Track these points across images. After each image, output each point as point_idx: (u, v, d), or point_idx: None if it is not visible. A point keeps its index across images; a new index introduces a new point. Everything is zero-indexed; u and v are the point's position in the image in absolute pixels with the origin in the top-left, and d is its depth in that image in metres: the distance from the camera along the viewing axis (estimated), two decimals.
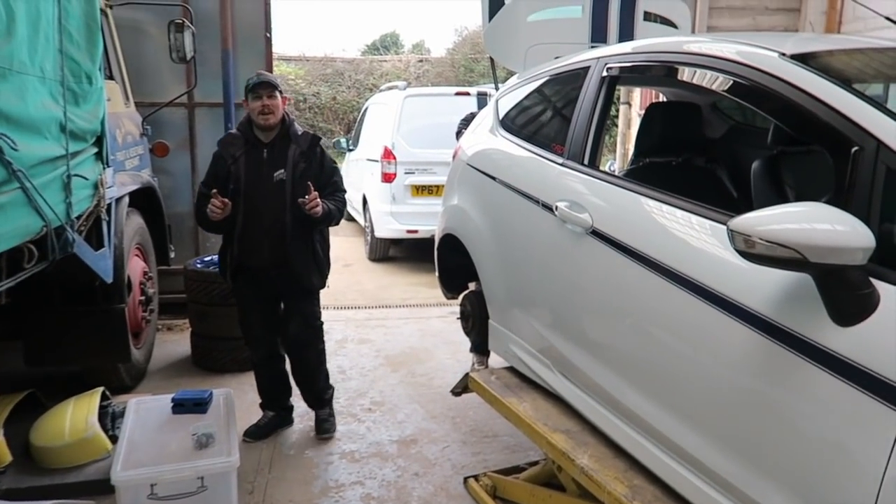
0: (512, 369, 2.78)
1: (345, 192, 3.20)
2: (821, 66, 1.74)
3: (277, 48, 16.58)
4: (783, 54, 1.77)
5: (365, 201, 7.53)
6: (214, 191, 2.90)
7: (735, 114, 3.26)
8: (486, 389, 2.65)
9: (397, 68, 17.91)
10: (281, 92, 3.02)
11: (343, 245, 7.83)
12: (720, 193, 2.86)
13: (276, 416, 3.37)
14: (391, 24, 35.77)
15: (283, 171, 3.00)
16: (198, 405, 2.69)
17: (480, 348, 3.20)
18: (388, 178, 6.85)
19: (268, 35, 5.05)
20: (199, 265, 4.14)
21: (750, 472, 1.59)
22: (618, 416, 2.07)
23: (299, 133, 3.10)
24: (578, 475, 2.05)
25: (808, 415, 1.45)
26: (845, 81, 1.66)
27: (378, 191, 7.01)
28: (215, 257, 3.52)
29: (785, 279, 1.48)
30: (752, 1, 6.25)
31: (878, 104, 1.51)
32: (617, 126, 9.14)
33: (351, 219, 9.26)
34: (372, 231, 7.29)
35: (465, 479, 2.82)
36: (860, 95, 1.55)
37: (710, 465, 1.69)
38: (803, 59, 1.75)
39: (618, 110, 8.80)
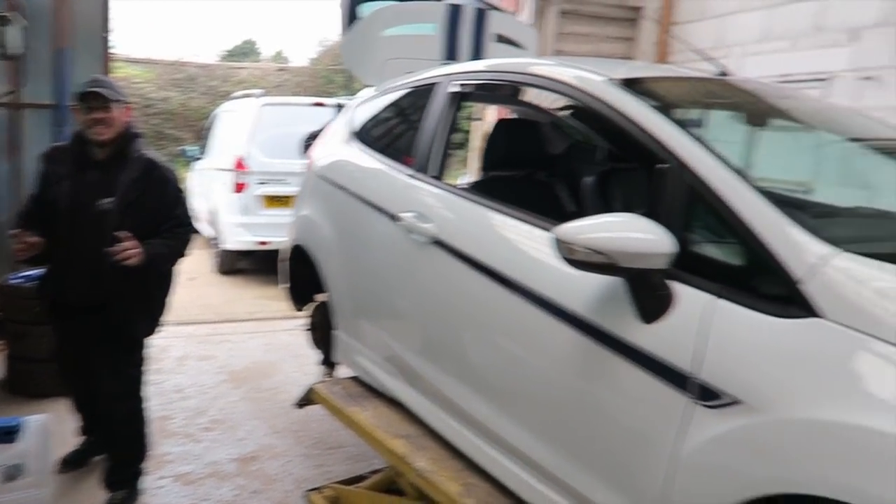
0: (356, 379, 2.78)
1: (189, 226, 2.76)
2: (640, 90, 1.92)
3: (124, 49, 15.57)
4: (609, 79, 1.93)
5: (213, 213, 7.23)
6: (18, 231, 2.46)
7: (574, 132, 3.49)
8: (329, 400, 2.64)
9: (255, 76, 17.41)
10: (120, 101, 2.57)
11: (188, 258, 7.43)
12: (559, 207, 3.05)
13: (98, 440, 2.99)
14: (250, 32, 34.80)
15: (110, 199, 2.51)
16: (7, 434, 2.48)
17: (327, 361, 3.18)
18: (239, 188, 6.63)
19: (104, 35, 4.73)
20: (16, 280, 3.75)
21: (572, 464, 1.71)
22: (456, 419, 2.14)
23: (136, 154, 2.61)
24: (415, 478, 2.09)
25: (619, 406, 1.59)
26: (665, 106, 1.84)
27: (229, 201, 6.76)
28: (37, 272, 3.12)
29: (602, 283, 1.61)
30: (594, 29, 6.74)
31: (682, 127, 1.69)
32: (470, 141, 9.44)
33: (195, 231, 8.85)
34: (220, 243, 7.01)
35: (307, 491, 2.78)
36: (668, 118, 1.72)
37: (538, 460, 1.80)
38: (625, 84, 1.92)
39: (470, 126, 9.09)
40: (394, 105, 3.07)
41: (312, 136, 4.98)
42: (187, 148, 9.04)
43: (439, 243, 2.17)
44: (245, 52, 21.54)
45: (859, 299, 1.24)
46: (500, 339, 1.98)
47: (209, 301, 6.10)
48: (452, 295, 2.16)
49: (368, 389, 2.67)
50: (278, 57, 21.44)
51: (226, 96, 9.92)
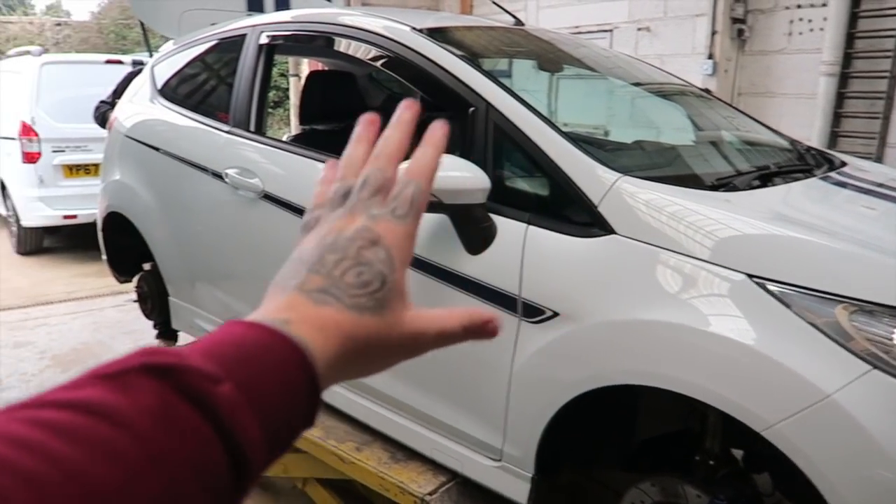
0: None
1: None
2: (446, 39, 2.03)
3: None
4: (415, 28, 2.02)
5: (3, 187, 6.45)
6: None
7: (391, 84, 3.57)
8: None
9: (28, 32, 15.42)
10: None
11: None
12: None
13: None
14: None
15: None
16: None
17: (166, 332, 3.06)
18: (30, 157, 5.95)
19: None
20: None
21: (421, 393, 1.85)
22: None
23: None
24: None
25: None
26: (470, 54, 1.97)
27: (20, 173, 6.05)
28: None
29: (429, 221, 1.73)
30: None
31: (487, 73, 1.84)
32: (289, 98, 9.20)
33: None
34: (17, 221, 6.29)
35: None
36: (474, 65, 1.86)
37: (390, 394, 1.92)
38: (431, 33, 2.02)
39: (289, 83, 8.86)
40: (200, 59, 2.94)
41: (106, 104, 4.61)
42: None
43: (269, 197, 2.18)
44: (11, 4, 18.92)
45: (642, 215, 1.48)
46: None
47: (15, 285, 5.48)
48: (289, 247, 2.18)
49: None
50: (55, 10, 19.09)
51: None
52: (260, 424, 0.33)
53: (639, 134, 2.82)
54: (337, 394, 2.09)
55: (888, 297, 1.23)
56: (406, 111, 0.46)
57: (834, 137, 3.57)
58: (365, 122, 0.48)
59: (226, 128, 2.47)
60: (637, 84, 2.79)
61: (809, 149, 2.31)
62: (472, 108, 1.74)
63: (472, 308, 0.45)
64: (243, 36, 2.57)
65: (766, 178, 1.78)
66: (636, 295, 1.43)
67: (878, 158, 3.39)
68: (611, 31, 5.72)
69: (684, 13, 5.09)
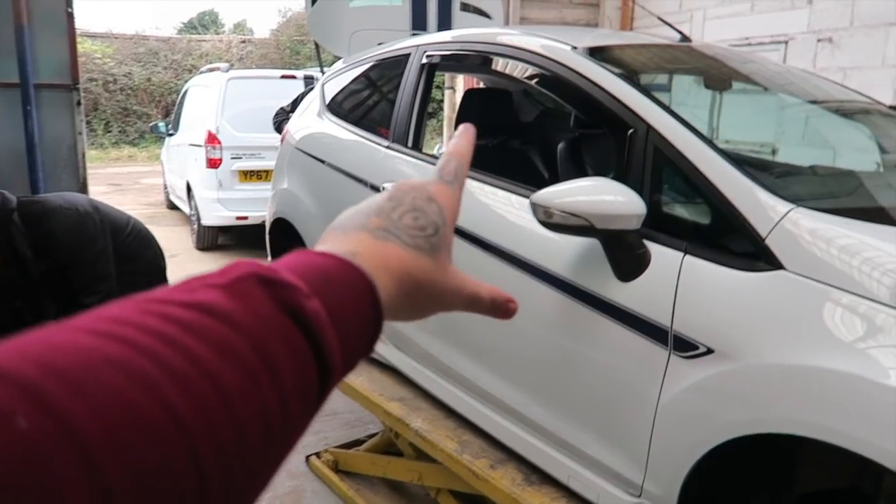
0: None
1: (103, 284, 2.16)
2: (606, 58, 2.00)
3: (81, 24, 15.16)
4: (574, 48, 2.00)
5: (189, 188, 7.19)
6: None
7: (545, 100, 3.57)
8: None
9: (218, 49, 17.10)
10: None
11: (167, 235, 7.42)
12: (532, 173, 3.14)
13: None
14: (209, 2, 33.86)
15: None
16: None
17: None
18: (213, 163, 6.59)
19: (69, 10, 4.65)
20: None
21: (563, 418, 1.81)
22: (448, 380, 2.24)
23: None
24: (413, 437, 2.20)
25: (604, 361, 1.70)
26: (630, 73, 1.92)
27: (203, 177, 6.73)
28: None
29: (580, 245, 1.71)
30: None
31: (648, 93, 1.78)
32: (443, 110, 9.46)
33: (174, 207, 8.76)
34: (199, 219, 6.99)
35: (307, 457, 2.88)
36: (634, 85, 1.81)
37: (530, 417, 1.91)
38: (591, 52, 2.00)
39: (444, 95, 9.11)
40: (364, 77, 3.10)
41: (283, 112, 5.00)
42: (159, 124, 8.93)
43: None
44: (205, 23, 21.05)
45: (816, 251, 1.36)
46: None
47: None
48: None
49: None
50: (240, 28, 21.01)
51: (190, 70, 9.76)
52: (340, 343, 0.35)
53: (814, 157, 2.60)
54: (475, 409, 2.11)
55: None
56: (468, 129, 0.56)
57: None
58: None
59: (385, 143, 2.58)
60: (813, 101, 2.57)
61: None
62: (630, 130, 1.70)
63: (494, 287, 0.49)
64: (407, 55, 2.68)
65: None
66: (805, 338, 1.31)
67: None
68: (785, 42, 5.32)
69: (875, 21, 4.63)
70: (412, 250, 0.44)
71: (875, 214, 1.53)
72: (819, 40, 5.01)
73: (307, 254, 0.39)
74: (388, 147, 2.55)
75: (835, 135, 2.77)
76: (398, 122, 2.57)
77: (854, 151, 2.45)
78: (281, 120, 4.87)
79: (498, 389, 2.01)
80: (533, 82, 3.21)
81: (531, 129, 3.45)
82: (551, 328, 1.83)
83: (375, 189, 2.49)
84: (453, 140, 0.54)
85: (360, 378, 2.56)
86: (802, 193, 1.66)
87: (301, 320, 0.33)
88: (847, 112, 2.56)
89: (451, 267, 0.47)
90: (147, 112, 15.61)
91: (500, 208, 2.04)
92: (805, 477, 1.60)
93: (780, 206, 1.43)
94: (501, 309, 0.50)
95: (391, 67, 2.85)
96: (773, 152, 3.51)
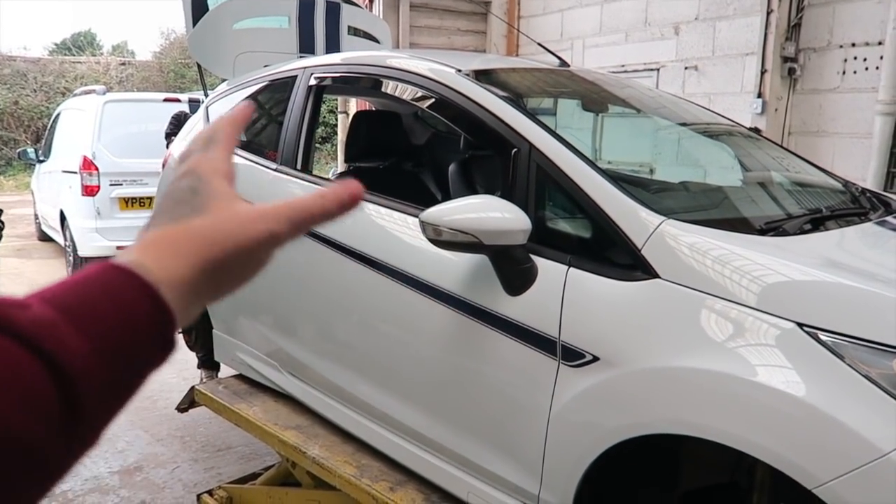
0: (241, 376, 2.76)
1: None
2: (491, 81, 2.06)
3: None
4: (459, 70, 2.05)
5: (63, 217, 6.72)
6: None
7: (436, 123, 3.62)
8: (213, 400, 2.60)
9: (95, 71, 16.21)
10: None
11: (40, 268, 6.89)
12: (425, 194, 3.17)
13: None
14: (86, 23, 32.09)
15: None
16: None
17: (208, 362, 3.12)
18: (89, 190, 6.21)
19: None
20: None
21: (460, 434, 1.82)
22: (345, 405, 2.20)
23: None
24: (310, 465, 2.14)
25: (496, 375, 1.72)
26: (513, 95, 1.99)
27: (79, 205, 6.31)
28: None
29: (471, 262, 1.73)
30: (445, 23, 6.94)
31: (530, 113, 1.85)
32: (337, 134, 9.41)
33: (47, 238, 8.17)
34: (74, 250, 6.53)
35: (198, 496, 2.73)
36: (517, 106, 1.87)
37: (427, 435, 1.90)
38: (476, 75, 2.05)
39: (337, 119, 9.07)
40: (251, 99, 3.04)
41: (176, 120, 4.78)
42: (28, 150, 8.31)
43: (311, 234, 2.21)
44: (80, 44, 19.95)
45: (686, 260, 1.45)
46: (380, 323, 2.06)
47: None
48: (329, 284, 2.21)
49: (254, 385, 2.66)
50: (120, 50, 20.06)
51: (63, 93, 9.19)
52: (86, 337, 0.34)
53: (684, 174, 2.78)
54: (373, 432, 2.08)
55: None
56: (244, 111, 0.55)
57: (890, 178, 3.45)
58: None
59: (273, 165, 2.53)
60: (683, 124, 2.76)
61: (864, 191, 2.23)
62: (514, 149, 1.75)
63: (318, 189, 0.49)
64: (294, 77, 2.65)
65: (817, 222, 1.73)
66: (680, 341, 1.39)
67: None
68: (657, 69, 5.70)
69: (733, 52, 5.05)
70: (180, 223, 0.44)
71: (738, 224, 1.65)
72: (686, 68, 5.40)
73: (95, 268, 0.40)
74: (275, 170, 2.50)
75: (703, 154, 2.98)
76: (286, 145, 2.52)
77: (720, 169, 2.65)
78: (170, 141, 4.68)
79: (395, 410, 2.00)
80: (421, 105, 3.26)
81: (423, 151, 3.49)
82: (445, 346, 1.85)
83: None
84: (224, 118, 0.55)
85: (254, 409, 2.47)
86: (674, 207, 1.76)
87: (8, 329, 0.32)
88: (713, 133, 2.76)
89: (238, 204, 0.46)
90: (14, 137, 14.54)
91: (393, 229, 2.04)
92: (689, 475, 1.69)
93: (654, 218, 1.52)
94: (340, 203, 0.48)
95: (278, 90, 2.80)
96: (651, 171, 3.74)
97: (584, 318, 1.53)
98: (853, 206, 2.00)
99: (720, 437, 1.31)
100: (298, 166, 2.46)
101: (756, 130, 3.92)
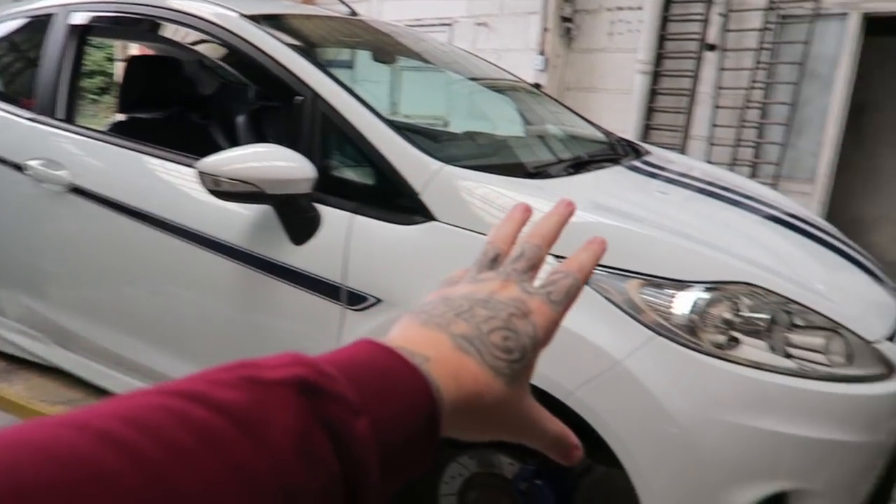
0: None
1: None
2: (277, 27, 1.99)
3: None
4: (244, 15, 1.96)
5: None
6: None
7: (223, 72, 3.43)
8: None
9: None
10: None
11: None
12: (213, 147, 3.01)
13: None
14: None
15: None
16: None
17: None
18: None
19: None
20: None
21: None
22: (127, 373, 2.08)
23: None
24: None
25: (286, 328, 1.73)
26: (303, 44, 1.94)
27: None
28: None
29: (254, 213, 1.70)
30: None
31: (316, 62, 1.83)
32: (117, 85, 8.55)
33: None
34: None
35: None
36: (301, 53, 1.84)
37: None
38: (260, 20, 1.97)
39: (115, 67, 8.23)
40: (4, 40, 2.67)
41: None
42: None
43: (78, 190, 2.03)
44: None
45: (460, 202, 1.54)
46: (166, 285, 1.96)
47: None
48: (100, 244, 2.05)
49: (15, 361, 2.41)
50: None
51: None
52: (380, 465, 0.32)
53: (473, 126, 2.93)
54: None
55: (669, 270, 1.39)
56: (566, 208, 0.50)
57: (647, 130, 3.91)
58: (520, 208, 0.51)
59: (28, 115, 2.26)
60: (473, 79, 2.89)
61: (620, 140, 2.51)
62: (298, 98, 1.73)
63: (567, 428, 0.45)
64: (51, 15, 2.36)
65: (578, 167, 1.92)
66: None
67: (683, 150, 3.76)
68: (451, 24, 5.86)
69: (519, 10, 5.33)
70: (490, 372, 0.39)
71: (510, 169, 1.79)
72: (477, 24, 5.61)
73: (370, 347, 0.36)
74: (31, 119, 2.24)
75: (490, 108, 3.15)
76: (44, 92, 2.26)
77: (505, 122, 2.83)
78: None
79: (181, 372, 1.93)
80: (203, 51, 3.07)
81: (211, 101, 3.30)
82: (235, 302, 1.81)
83: (18, 168, 2.17)
84: (577, 254, 0.47)
85: (16, 387, 2.24)
86: (455, 155, 1.86)
87: (341, 443, 0.30)
88: (499, 88, 2.93)
89: (527, 396, 0.42)
90: None
91: (176, 183, 1.93)
92: None
93: (433, 164, 1.60)
94: (562, 452, 0.44)
95: (33, 29, 2.48)
96: (445, 124, 3.88)
97: (367, 263, 1.58)
98: (610, 153, 2.25)
99: None
100: (59, 116, 2.22)
101: (537, 86, 4.22)
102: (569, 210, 0.49)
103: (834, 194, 3.47)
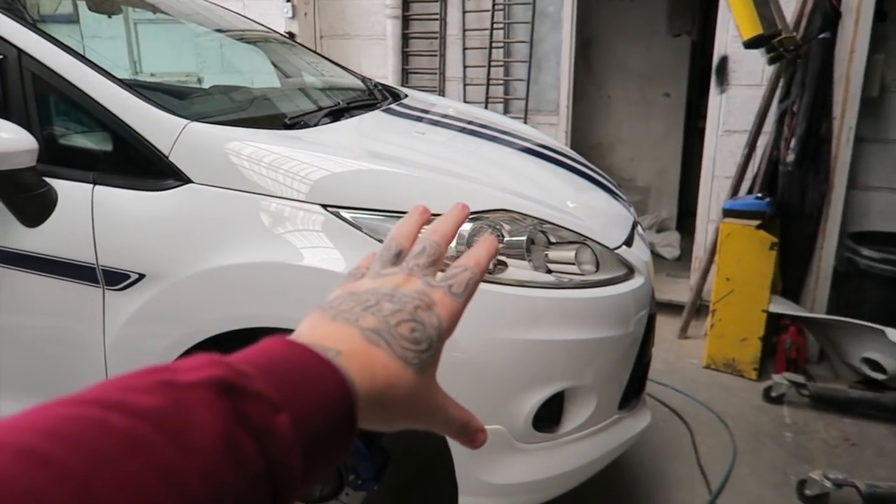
0: None
1: None
2: None
3: None
4: None
5: None
6: None
7: None
8: None
9: None
10: None
11: None
12: None
13: None
14: None
15: None
16: None
17: None
18: None
19: None
20: None
21: (10, 398, 1.57)
22: None
23: None
24: None
25: (35, 322, 1.52)
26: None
27: None
28: None
29: None
30: None
31: (16, 14, 1.56)
32: None
33: None
34: None
35: None
36: None
37: None
38: None
39: None
40: None
41: None
42: None
43: None
44: None
45: (214, 160, 1.44)
46: None
47: None
48: None
49: None
50: None
51: None
52: (303, 460, 0.32)
53: (221, 81, 2.75)
54: None
55: (435, 207, 1.43)
56: (462, 210, 0.52)
57: (406, 74, 3.97)
58: (419, 209, 0.52)
59: None
60: (219, 30, 2.69)
61: (377, 85, 2.52)
62: None
63: (472, 414, 0.46)
64: None
65: (337, 115, 1.89)
66: (222, 241, 1.41)
67: (441, 92, 3.89)
68: None
69: None
70: (400, 363, 0.40)
71: (265, 122, 1.70)
72: None
73: (283, 345, 0.36)
74: None
75: (242, 61, 2.98)
76: None
77: (259, 74, 2.69)
78: None
79: None
80: None
81: None
82: None
83: None
84: (473, 250, 0.48)
85: None
86: (203, 111, 1.73)
87: (263, 441, 0.30)
88: (250, 40, 2.76)
89: (435, 385, 0.43)
90: None
91: None
92: None
93: (177, 122, 1.47)
94: (470, 436, 0.46)
95: None
96: (199, 81, 3.60)
97: (120, 237, 1.43)
98: (368, 99, 2.25)
99: (284, 322, 1.39)
100: None
101: (291, 35, 4.06)
102: (464, 212, 0.52)
103: (575, 123, 3.83)
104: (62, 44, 1.51)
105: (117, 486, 0.25)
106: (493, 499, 1.47)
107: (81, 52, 1.53)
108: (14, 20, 1.51)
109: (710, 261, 3.12)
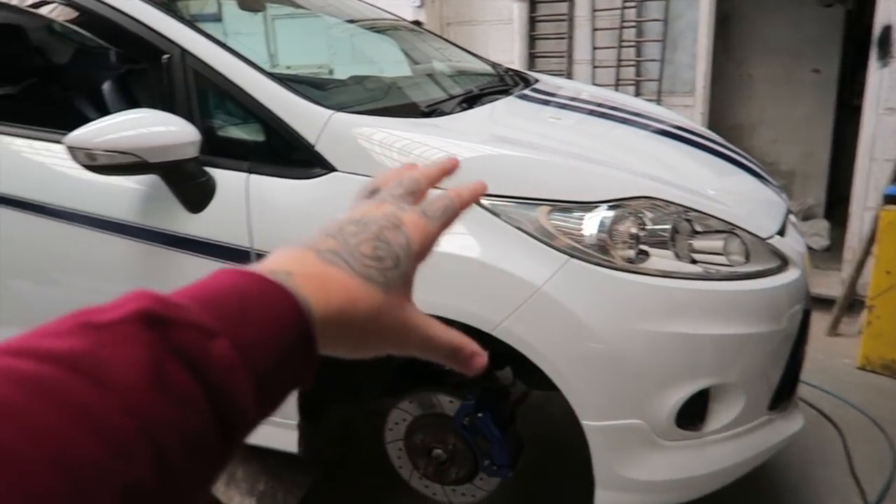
0: None
1: None
2: None
3: None
4: None
5: None
6: None
7: (79, 36, 3.13)
8: None
9: None
10: None
11: None
12: (81, 119, 2.77)
13: None
14: None
15: None
16: None
17: None
18: None
19: None
20: None
21: None
22: None
23: None
24: None
25: None
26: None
27: None
28: None
29: (140, 185, 1.58)
30: None
31: (179, 16, 1.68)
32: None
33: None
34: None
35: None
36: (160, 8, 1.68)
37: None
38: None
39: None
40: None
41: None
42: None
43: None
44: None
45: (357, 149, 1.49)
46: (51, 271, 1.80)
47: None
48: None
49: None
50: None
51: None
52: (254, 385, 0.31)
53: (357, 70, 2.83)
54: None
55: (573, 194, 1.40)
56: (450, 162, 0.51)
57: (532, 59, 3.93)
58: (406, 165, 0.50)
59: None
60: (351, 21, 2.78)
61: (508, 70, 2.50)
62: (165, 56, 1.59)
63: (464, 336, 0.44)
64: None
65: (471, 101, 1.89)
66: None
67: (569, 75, 3.81)
68: None
69: None
70: (361, 279, 0.38)
71: (402, 110, 1.74)
72: None
73: (227, 274, 0.35)
74: None
75: (373, 50, 3.05)
76: None
77: (390, 63, 2.75)
78: None
79: None
80: (48, 14, 2.79)
81: (69, 70, 3.01)
82: (132, 279, 1.69)
83: None
84: (459, 187, 0.48)
85: None
86: (344, 101, 1.79)
87: (198, 369, 0.29)
88: (379, 29, 2.83)
89: (408, 305, 0.41)
90: None
91: (46, 163, 1.76)
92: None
93: (323, 112, 1.52)
94: (463, 361, 0.43)
95: None
96: (330, 71, 3.74)
97: (272, 223, 1.51)
98: (499, 85, 2.24)
99: (420, 307, 1.41)
100: None
101: (418, 23, 4.12)
102: (452, 164, 0.50)
103: (712, 104, 3.63)
104: (221, 42, 1.61)
105: (26, 434, 0.23)
106: (632, 495, 1.44)
107: (234, 49, 1.62)
108: (178, 21, 1.62)
109: (867, 252, 2.86)
